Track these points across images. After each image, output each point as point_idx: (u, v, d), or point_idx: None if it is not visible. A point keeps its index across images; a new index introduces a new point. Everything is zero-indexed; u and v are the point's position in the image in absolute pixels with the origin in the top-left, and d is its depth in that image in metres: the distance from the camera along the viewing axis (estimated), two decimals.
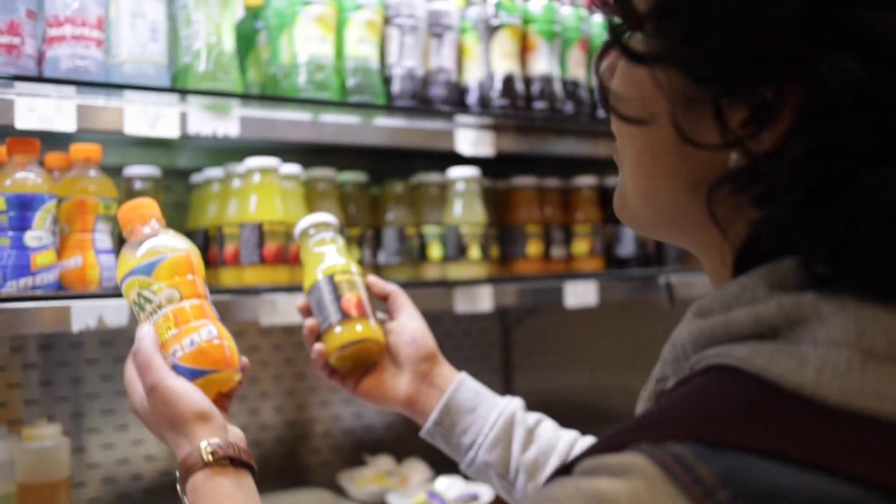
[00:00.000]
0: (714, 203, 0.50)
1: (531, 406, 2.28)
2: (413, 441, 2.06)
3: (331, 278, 0.98)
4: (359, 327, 0.96)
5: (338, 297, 0.97)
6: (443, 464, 1.89)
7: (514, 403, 0.98)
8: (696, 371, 0.50)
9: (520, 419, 0.97)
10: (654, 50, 0.51)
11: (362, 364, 0.99)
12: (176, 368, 0.83)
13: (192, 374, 0.83)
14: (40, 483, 1.32)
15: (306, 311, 1.01)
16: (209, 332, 0.86)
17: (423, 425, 0.98)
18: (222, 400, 0.89)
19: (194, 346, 0.84)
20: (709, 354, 0.49)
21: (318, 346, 0.98)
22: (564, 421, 2.07)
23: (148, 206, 0.90)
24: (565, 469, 0.47)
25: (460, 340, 2.17)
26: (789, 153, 0.47)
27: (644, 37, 0.52)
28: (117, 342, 1.73)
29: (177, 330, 0.85)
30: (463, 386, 0.97)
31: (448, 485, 1.64)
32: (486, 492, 1.66)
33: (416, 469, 1.75)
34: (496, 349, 2.23)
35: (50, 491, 1.32)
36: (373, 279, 1.04)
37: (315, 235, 1.03)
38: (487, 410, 0.96)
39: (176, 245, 0.88)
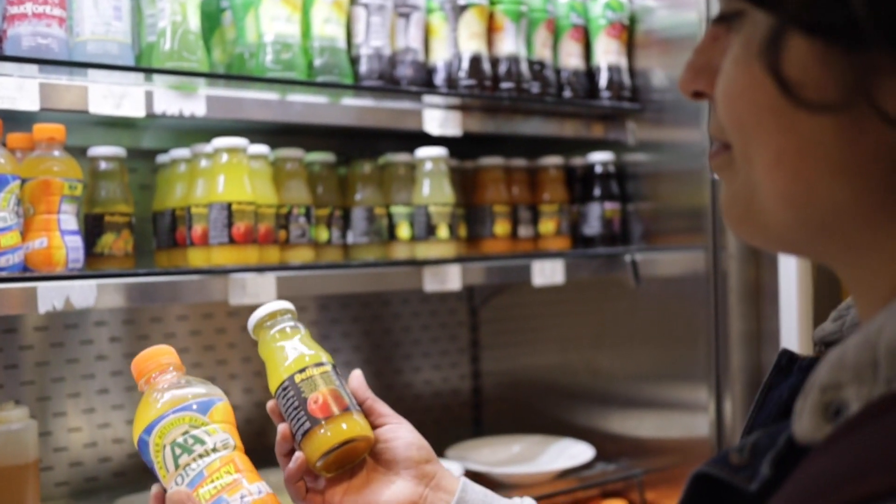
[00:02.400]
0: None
1: (500, 386, 2.30)
2: None
3: (302, 375, 0.87)
4: (344, 425, 0.84)
5: (313, 395, 0.85)
6: None
7: (528, 501, 0.92)
8: None
9: None
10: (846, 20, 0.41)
11: (346, 467, 0.89)
12: None
13: None
14: (8, 466, 1.31)
15: (277, 415, 0.89)
16: (268, 487, 0.81)
17: None
18: None
19: (262, 494, 0.78)
20: None
21: (299, 455, 0.85)
22: (532, 399, 2.10)
23: (166, 353, 0.84)
24: None
25: (428, 320, 2.19)
26: None
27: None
28: (83, 325, 1.72)
29: (240, 475, 0.78)
30: (469, 487, 0.89)
31: None
32: (456, 468, 1.68)
33: None
34: (464, 329, 2.25)
35: (18, 473, 1.32)
36: (354, 384, 0.93)
37: (273, 327, 0.90)
38: None
39: (216, 391, 0.83)
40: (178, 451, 0.78)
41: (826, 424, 0.43)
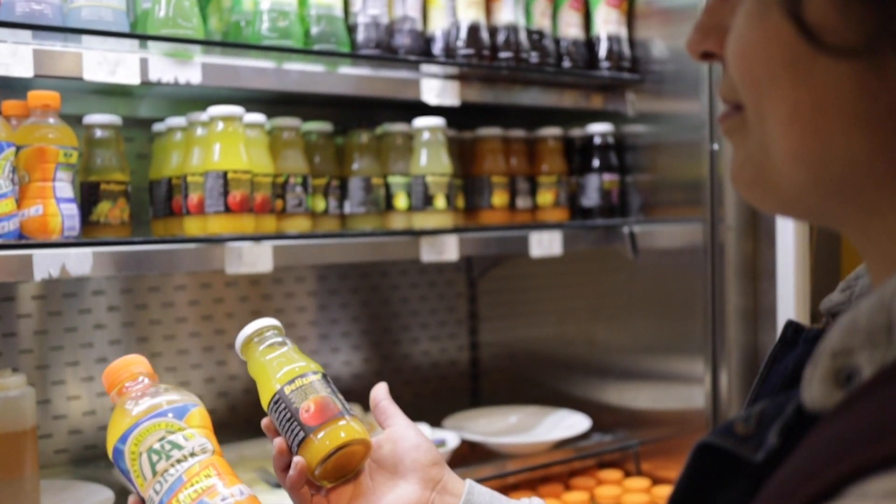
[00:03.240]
0: None
1: (498, 357, 2.31)
2: None
3: (291, 386, 0.86)
4: (342, 432, 0.84)
5: (305, 404, 0.85)
6: (411, 412, 1.92)
7: (537, 501, 0.89)
8: None
9: None
10: None
11: (346, 474, 0.87)
12: None
13: None
14: (6, 432, 1.31)
15: (272, 431, 0.88)
16: (249, 489, 0.79)
17: None
18: None
19: (244, 496, 0.77)
20: None
21: (299, 460, 0.84)
22: (530, 371, 2.11)
23: (138, 362, 0.83)
24: (819, 495, 0.36)
25: (426, 292, 2.19)
26: None
27: None
28: (81, 294, 1.72)
29: (219, 479, 0.77)
30: (476, 489, 0.87)
31: None
32: (452, 438, 1.69)
33: None
34: (462, 300, 2.25)
35: (16, 440, 1.32)
36: (376, 390, 0.94)
37: (261, 344, 0.90)
38: None
39: (192, 397, 0.82)
40: (155, 457, 0.77)
41: (837, 391, 0.41)
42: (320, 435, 0.83)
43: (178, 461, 0.76)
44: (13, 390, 1.33)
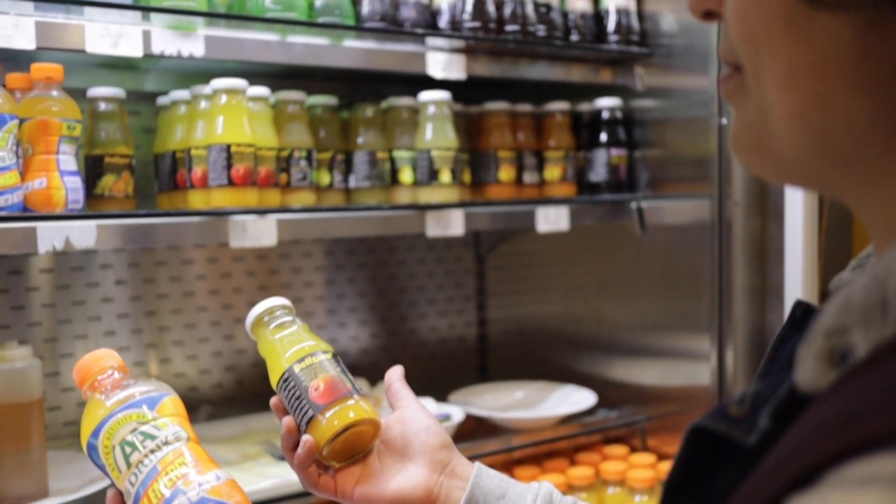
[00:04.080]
0: None
1: (506, 333, 2.30)
2: (387, 365, 2.08)
3: (301, 364, 0.86)
4: (351, 411, 0.83)
5: (314, 383, 0.84)
6: (417, 387, 1.92)
7: (546, 484, 0.87)
8: None
9: (558, 499, 0.86)
10: None
11: (355, 455, 0.86)
12: (203, 502, 0.73)
13: None
14: (12, 403, 1.33)
15: (281, 410, 0.88)
16: (227, 473, 0.78)
17: None
18: None
19: (220, 481, 0.75)
20: None
21: (307, 438, 0.83)
22: (538, 347, 2.10)
23: (108, 356, 0.83)
24: (798, 479, 0.34)
25: (434, 267, 2.19)
26: None
27: None
28: (89, 268, 1.73)
29: (194, 467, 0.76)
30: (484, 472, 0.86)
31: None
32: (457, 412, 1.69)
33: None
34: (470, 276, 2.25)
35: (22, 411, 1.33)
36: (390, 372, 0.94)
37: (270, 323, 0.90)
38: (518, 495, 0.85)
39: (164, 387, 0.82)
40: (128, 449, 0.76)
41: (830, 371, 0.40)
42: (329, 414, 0.83)
43: (152, 451, 0.76)
44: (19, 362, 1.34)
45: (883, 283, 0.38)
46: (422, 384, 1.89)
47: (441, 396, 1.83)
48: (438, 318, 2.20)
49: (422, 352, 2.17)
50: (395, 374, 0.93)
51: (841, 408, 0.36)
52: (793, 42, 0.42)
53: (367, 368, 2.02)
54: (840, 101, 0.41)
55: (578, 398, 1.83)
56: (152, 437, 0.76)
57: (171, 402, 0.80)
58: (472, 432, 1.73)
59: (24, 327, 1.67)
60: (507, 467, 1.76)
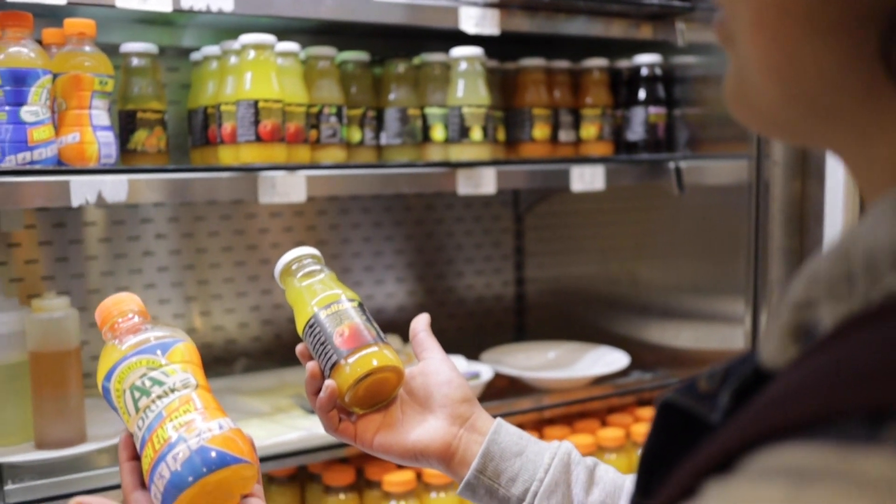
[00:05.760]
0: (891, 60, 0.35)
1: (543, 293, 2.29)
2: None
3: (327, 311, 0.86)
4: (374, 358, 0.83)
5: (339, 329, 0.85)
6: (454, 345, 1.93)
7: (567, 444, 0.85)
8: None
9: (577, 459, 0.84)
10: None
11: (378, 403, 0.86)
12: (202, 451, 0.72)
13: (220, 461, 0.73)
14: (51, 352, 1.37)
15: (306, 356, 0.88)
16: (233, 422, 0.77)
17: (460, 479, 0.83)
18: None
19: (223, 430, 0.74)
20: None
21: (330, 383, 0.83)
22: (575, 307, 2.07)
23: (130, 300, 0.83)
24: (716, 462, 0.32)
25: (472, 226, 2.18)
26: None
27: None
28: (129, 221, 1.77)
29: (199, 414, 0.75)
30: (503, 428, 0.85)
31: None
32: (486, 370, 1.70)
33: None
34: (508, 235, 2.24)
35: (60, 359, 1.38)
36: (416, 321, 0.92)
37: (298, 271, 0.91)
38: (537, 454, 0.83)
39: (180, 333, 0.81)
40: (137, 394, 0.77)
41: (793, 346, 0.37)
42: (352, 359, 0.83)
43: (159, 397, 0.76)
44: (57, 312, 1.38)
45: (847, 255, 0.36)
46: (458, 342, 1.90)
47: (476, 355, 1.84)
48: (476, 277, 2.20)
49: (459, 310, 2.17)
50: (422, 322, 0.92)
51: (781, 389, 0.33)
52: None
53: (402, 326, 2.02)
54: (809, 49, 0.38)
55: (612, 359, 1.82)
56: (160, 384, 0.77)
57: (185, 349, 0.80)
58: (503, 391, 1.73)
59: (68, 279, 1.72)
60: (538, 427, 1.76)
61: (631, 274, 1.94)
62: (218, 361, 1.87)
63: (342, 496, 1.50)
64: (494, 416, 0.87)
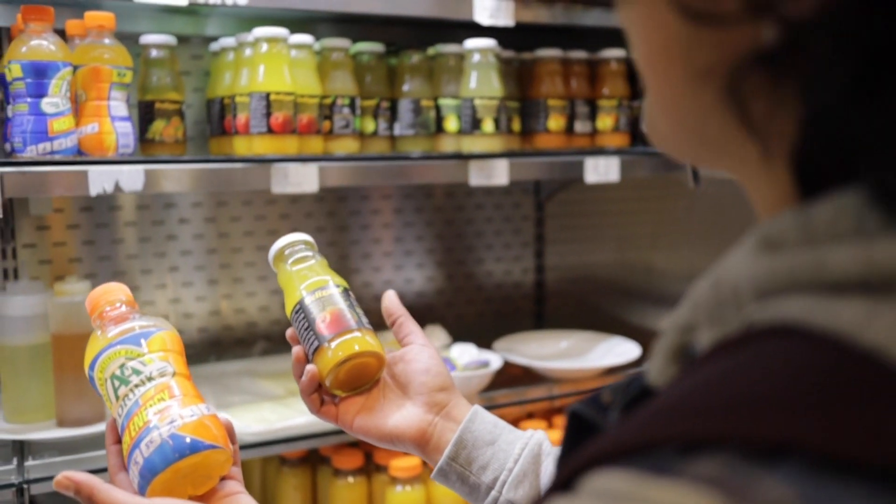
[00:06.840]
0: (746, 100, 0.36)
1: (563, 281, 2.30)
2: (442, 309, 2.12)
3: (313, 296, 0.88)
4: (355, 344, 0.85)
5: (322, 314, 0.87)
6: (468, 332, 1.96)
7: (539, 434, 0.86)
8: (758, 329, 0.34)
9: (548, 450, 0.85)
10: None
11: (360, 386, 0.88)
12: (173, 438, 0.75)
13: (191, 447, 0.75)
14: (72, 334, 1.42)
15: (295, 340, 0.89)
16: (209, 408, 0.79)
17: (435, 464, 0.86)
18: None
19: (195, 417, 0.77)
20: (784, 308, 0.34)
21: (311, 367, 0.85)
22: (594, 296, 2.09)
23: (118, 290, 0.85)
24: (562, 481, 0.34)
25: (492, 213, 2.20)
26: (839, 15, 0.33)
27: None
28: (154, 206, 1.82)
29: (174, 401, 0.77)
30: (478, 416, 0.86)
31: (461, 351, 1.70)
32: (496, 360, 1.72)
33: (436, 335, 1.82)
34: (529, 223, 2.25)
35: (80, 341, 1.42)
36: (387, 302, 0.94)
37: (290, 256, 0.93)
38: (509, 443, 0.84)
39: (162, 323, 0.83)
40: (116, 383, 0.79)
41: (672, 367, 0.39)
42: (333, 344, 0.85)
43: (136, 386, 0.78)
44: (78, 295, 1.43)
45: (718, 282, 0.37)
46: (476, 329, 1.93)
47: (493, 341, 1.86)
48: (495, 264, 2.21)
49: (478, 296, 2.19)
50: (395, 303, 0.93)
51: (641, 412, 0.34)
52: (644, 18, 0.40)
53: (421, 312, 2.06)
54: (690, 89, 0.39)
55: (623, 350, 1.82)
56: (138, 373, 0.79)
57: (165, 337, 0.82)
58: (515, 379, 1.75)
59: (95, 261, 1.77)
60: (549, 416, 1.79)
61: (647, 264, 1.94)
62: (239, 343, 1.92)
63: (351, 479, 1.54)
64: (505, 405, 0.87)
